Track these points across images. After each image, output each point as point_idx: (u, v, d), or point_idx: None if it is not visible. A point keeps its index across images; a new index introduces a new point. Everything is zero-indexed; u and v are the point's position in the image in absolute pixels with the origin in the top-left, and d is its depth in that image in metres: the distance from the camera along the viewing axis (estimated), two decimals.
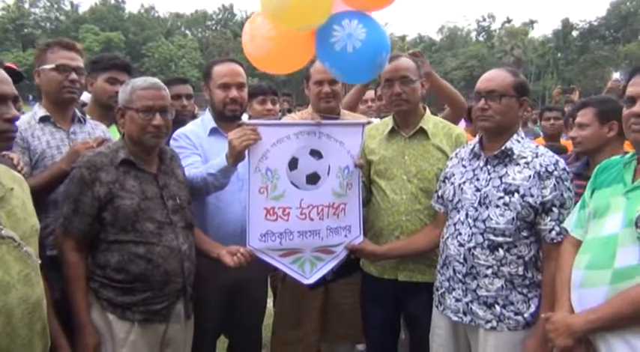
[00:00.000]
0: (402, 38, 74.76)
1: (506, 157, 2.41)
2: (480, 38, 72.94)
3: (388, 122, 2.94)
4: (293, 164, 2.60)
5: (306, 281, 2.67)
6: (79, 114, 2.86)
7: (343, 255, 2.75)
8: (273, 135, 2.55)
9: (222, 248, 2.57)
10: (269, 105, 3.80)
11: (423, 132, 2.84)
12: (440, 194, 2.66)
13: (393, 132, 2.90)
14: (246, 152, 2.51)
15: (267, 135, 2.53)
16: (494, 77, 2.44)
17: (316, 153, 2.64)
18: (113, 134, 2.97)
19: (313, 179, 2.65)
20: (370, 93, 4.14)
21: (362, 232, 2.77)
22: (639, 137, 1.97)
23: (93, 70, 3.24)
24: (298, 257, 2.66)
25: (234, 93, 2.86)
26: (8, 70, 1.84)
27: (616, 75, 5.44)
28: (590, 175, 2.85)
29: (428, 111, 2.94)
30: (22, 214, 1.77)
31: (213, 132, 2.89)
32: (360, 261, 3.01)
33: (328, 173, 2.67)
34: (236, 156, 2.50)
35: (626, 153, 2.68)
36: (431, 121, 2.88)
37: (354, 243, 2.74)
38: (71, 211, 2.33)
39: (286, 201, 2.60)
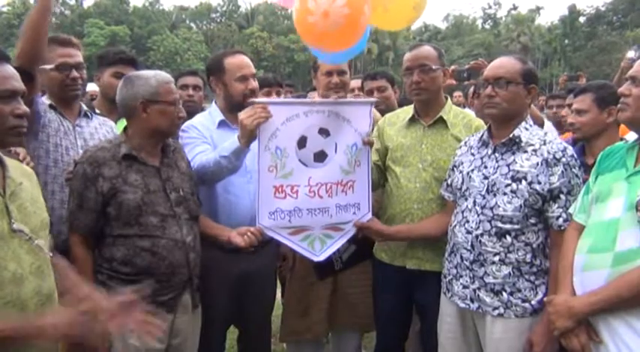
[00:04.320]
0: (407, 27, 74.31)
1: (514, 145, 2.41)
2: (486, 26, 72.46)
3: (409, 110, 2.95)
4: (302, 142, 2.62)
5: (316, 259, 2.71)
6: (85, 108, 2.88)
7: (352, 233, 2.77)
8: (283, 114, 2.58)
9: (230, 230, 2.60)
10: (274, 97, 3.80)
11: (442, 121, 2.84)
12: (449, 182, 2.66)
13: (413, 120, 2.91)
14: (257, 131, 2.53)
15: (277, 113, 2.55)
16: (501, 64, 2.44)
17: (324, 131, 2.67)
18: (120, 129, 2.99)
19: (321, 157, 2.67)
20: (356, 83, 4.12)
21: (371, 210, 2.78)
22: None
23: (99, 65, 3.26)
24: (308, 234, 2.68)
25: (253, 84, 2.89)
26: (20, 70, 1.86)
27: (630, 53, 5.30)
28: (585, 161, 2.88)
29: (449, 101, 2.94)
30: (32, 208, 1.80)
31: (221, 124, 2.90)
32: (373, 247, 3.03)
33: (335, 150, 2.69)
34: (248, 135, 2.52)
35: (622, 139, 2.68)
36: (452, 112, 2.88)
37: (363, 221, 2.76)
38: (76, 207, 2.38)
39: (295, 179, 2.63)
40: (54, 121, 2.70)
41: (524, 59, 2.50)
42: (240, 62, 2.92)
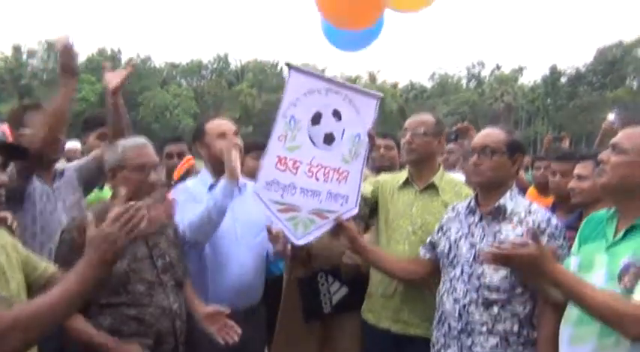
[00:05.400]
0: (394, 85, 75.96)
1: (499, 214, 2.45)
2: (471, 85, 74.27)
3: (404, 174, 3.05)
4: (316, 119, 2.66)
5: (296, 242, 2.69)
6: (58, 169, 2.91)
7: (332, 224, 2.74)
8: (306, 85, 2.61)
9: (205, 308, 2.55)
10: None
11: (434, 187, 2.94)
12: (432, 241, 2.69)
13: (406, 183, 3.00)
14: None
15: (301, 82, 2.58)
16: (488, 134, 2.53)
17: (337, 114, 2.70)
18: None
19: (329, 139, 2.70)
20: None
21: (357, 205, 2.79)
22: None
23: (85, 129, 3.30)
24: (294, 216, 2.68)
25: (234, 139, 2.92)
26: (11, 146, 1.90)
27: (610, 116, 5.52)
28: None
29: (442, 168, 3.05)
30: (9, 272, 1.81)
31: (212, 188, 2.93)
32: (361, 307, 3.03)
33: (342, 136, 2.72)
34: (230, 167, 2.62)
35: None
36: (443, 178, 2.99)
37: (346, 217, 2.75)
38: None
39: (299, 155, 2.66)
40: (37, 187, 2.71)
41: (511, 130, 2.59)
42: (219, 122, 3.02)
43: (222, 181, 2.68)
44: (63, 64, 2.62)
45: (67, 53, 2.60)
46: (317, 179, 2.69)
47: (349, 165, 2.75)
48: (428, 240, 2.73)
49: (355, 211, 2.78)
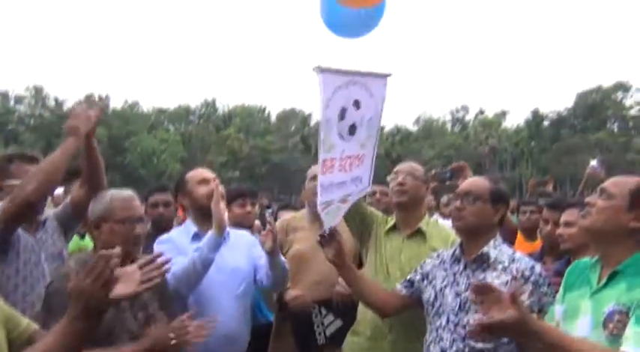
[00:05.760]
0: (381, 129, 76.57)
1: (484, 262, 2.47)
2: (455, 129, 75.33)
3: (391, 220, 3.09)
4: (342, 114, 2.61)
5: (325, 229, 2.64)
6: (41, 219, 2.89)
7: (350, 205, 2.73)
8: (334, 83, 2.56)
9: None
10: (248, 208, 3.85)
11: (421, 233, 2.99)
12: (411, 279, 2.67)
13: (393, 229, 3.05)
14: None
15: (330, 81, 2.54)
16: (473, 181, 2.63)
17: (357, 103, 2.66)
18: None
19: (352, 129, 2.66)
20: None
21: (370, 183, 2.78)
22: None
23: (66, 180, 3.29)
24: (329, 210, 2.64)
25: (212, 186, 2.92)
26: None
27: (593, 163, 5.65)
28: None
29: (427, 215, 3.11)
30: None
31: (195, 237, 2.93)
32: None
33: (361, 123, 2.69)
34: (218, 219, 2.63)
35: None
36: (430, 224, 3.04)
37: (358, 195, 2.76)
38: (47, 327, 2.30)
39: (334, 152, 2.60)
40: (21, 238, 2.68)
41: (497, 180, 2.66)
42: (199, 171, 3.07)
43: (210, 234, 2.69)
44: (72, 127, 2.61)
45: (81, 119, 2.61)
46: (345, 171, 2.68)
47: (365, 149, 2.75)
48: (408, 276, 2.73)
49: (368, 190, 2.82)
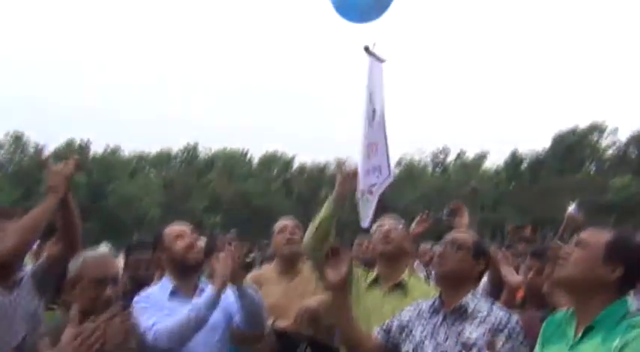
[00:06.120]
0: None
1: (462, 313, 2.48)
2: (437, 170, 76.06)
3: (372, 274, 3.10)
4: (373, 114, 2.71)
5: (363, 225, 2.72)
6: (17, 277, 2.84)
7: (377, 197, 2.74)
8: (376, 69, 2.63)
9: None
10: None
11: (401, 286, 3.01)
12: (388, 328, 2.64)
13: (375, 282, 3.07)
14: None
15: (374, 67, 2.61)
16: (459, 232, 2.77)
17: (372, 94, 2.74)
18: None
19: (373, 114, 2.73)
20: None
21: (391, 173, 2.80)
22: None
23: (42, 238, 3.27)
24: (362, 200, 2.67)
25: (189, 239, 2.93)
26: None
27: (570, 208, 5.78)
28: None
29: (408, 269, 3.13)
30: None
31: (172, 295, 2.91)
32: None
33: (376, 112, 2.75)
34: (222, 275, 2.63)
35: None
36: (411, 278, 3.08)
37: (383, 186, 2.77)
38: None
39: (370, 137, 2.68)
40: None
41: (481, 238, 2.74)
42: (176, 226, 3.03)
43: (208, 291, 2.67)
44: (53, 186, 2.62)
45: (61, 178, 2.63)
46: (369, 158, 2.71)
47: (375, 137, 2.79)
48: (386, 322, 2.69)
49: (391, 179, 2.84)
